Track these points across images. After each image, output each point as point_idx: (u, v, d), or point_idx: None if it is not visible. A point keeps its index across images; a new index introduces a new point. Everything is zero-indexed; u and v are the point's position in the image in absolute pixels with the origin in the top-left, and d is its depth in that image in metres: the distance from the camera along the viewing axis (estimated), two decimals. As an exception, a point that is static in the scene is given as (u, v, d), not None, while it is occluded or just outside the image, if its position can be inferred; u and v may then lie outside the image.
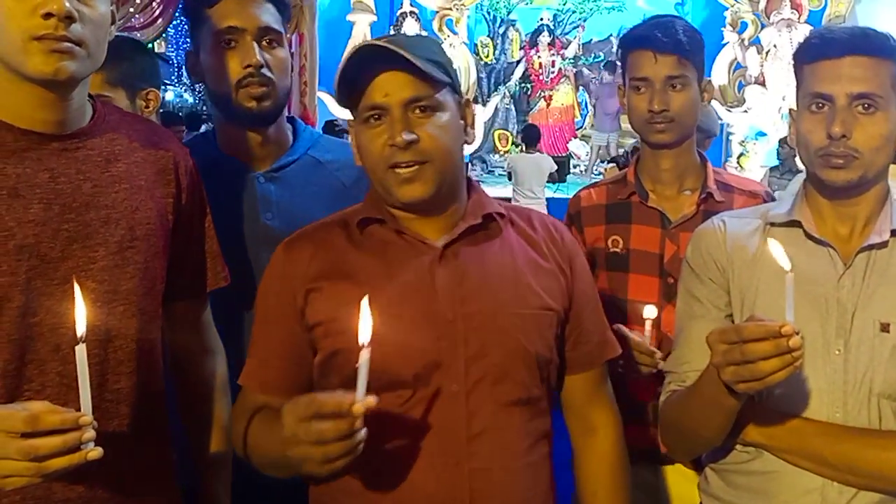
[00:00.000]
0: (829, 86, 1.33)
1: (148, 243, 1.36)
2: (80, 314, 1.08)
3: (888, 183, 1.41)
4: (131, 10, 10.45)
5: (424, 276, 1.32)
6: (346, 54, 1.27)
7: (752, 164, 10.15)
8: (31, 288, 1.23)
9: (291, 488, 1.42)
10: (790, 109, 1.45)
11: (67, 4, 1.18)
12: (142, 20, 11.42)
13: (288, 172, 1.74)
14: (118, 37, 1.31)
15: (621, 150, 9.07)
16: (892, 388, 1.32)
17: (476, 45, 13.52)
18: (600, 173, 11.56)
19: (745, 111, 10.23)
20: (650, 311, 1.73)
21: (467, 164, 11.26)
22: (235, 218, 1.66)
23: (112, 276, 1.31)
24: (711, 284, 1.46)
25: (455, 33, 11.71)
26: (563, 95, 13.78)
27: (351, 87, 1.30)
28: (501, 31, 14.20)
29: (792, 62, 1.43)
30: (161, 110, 2.05)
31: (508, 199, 8.51)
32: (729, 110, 10.33)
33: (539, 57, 13.94)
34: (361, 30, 10.40)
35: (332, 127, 7.09)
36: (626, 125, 13.30)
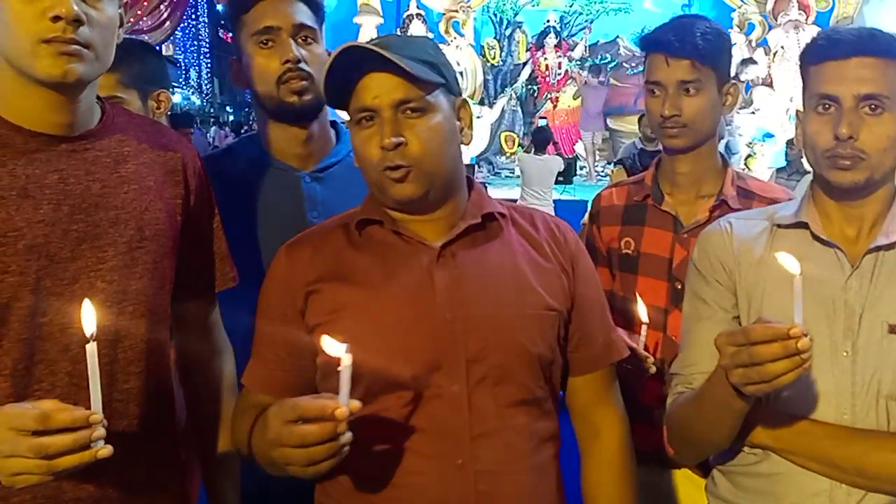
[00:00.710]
0: (836, 87, 1.33)
1: (157, 244, 1.37)
2: (90, 314, 1.08)
3: (896, 184, 1.41)
4: (139, 12, 10.50)
5: (423, 276, 1.31)
6: (331, 56, 1.27)
7: (760, 165, 10.12)
8: (41, 288, 1.24)
9: (299, 492, 1.42)
10: (797, 111, 1.45)
11: (76, 8, 1.19)
12: (150, 23, 11.47)
13: (332, 173, 1.78)
14: (129, 39, 1.32)
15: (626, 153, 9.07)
16: (900, 390, 1.32)
17: (482, 46, 13.52)
18: (606, 175, 11.55)
19: (753, 112, 10.21)
20: (643, 314, 1.73)
21: (474, 165, 11.26)
22: (281, 216, 1.70)
23: (121, 276, 1.32)
24: (718, 286, 1.46)
25: (461, 35, 11.73)
26: (570, 97, 13.78)
27: (341, 89, 1.30)
28: (508, 32, 14.20)
29: (798, 63, 1.43)
30: (168, 112, 2.08)
31: (515, 200, 8.52)
32: (737, 112, 10.32)
33: (545, 59, 13.93)
34: (368, 32, 10.42)
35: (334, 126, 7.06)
36: (613, 124, 13.42)
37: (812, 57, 1.38)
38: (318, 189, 1.75)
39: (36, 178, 1.25)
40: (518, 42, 14.28)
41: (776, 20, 10.24)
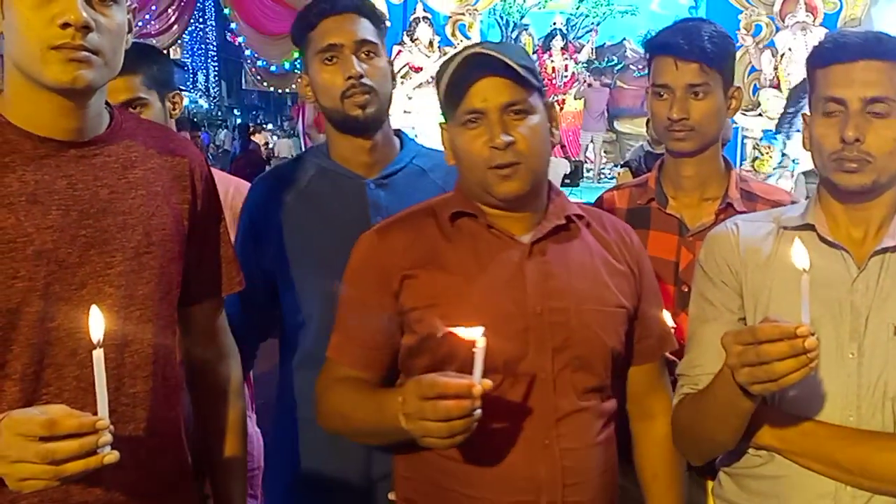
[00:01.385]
0: (843, 90, 1.33)
1: (164, 249, 1.38)
2: (97, 320, 1.09)
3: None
4: (147, 16, 10.54)
5: (514, 270, 1.42)
6: (452, 62, 1.40)
7: (767, 167, 10.10)
8: (50, 293, 1.25)
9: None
10: (803, 114, 1.45)
11: (84, 14, 1.20)
12: (157, 26, 11.51)
13: (396, 180, 1.84)
14: (139, 43, 1.33)
15: (628, 153, 9.06)
16: (906, 392, 1.32)
17: (489, 49, 13.48)
18: (613, 177, 11.53)
19: (760, 114, 10.18)
20: (669, 319, 1.72)
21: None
22: (346, 221, 1.76)
23: (128, 281, 1.32)
24: (724, 288, 1.46)
25: (468, 38, 11.70)
26: (571, 98, 13.76)
27: (452, 91, 1.41)
28: (514, 35, 14.19)
29: (805, 66, 1.43)
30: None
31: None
32: (743, 114, 10.28)
33: (552, 61, 13.91)
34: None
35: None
36: (620, 127, 13.38)
37: (819, 60, 1.38)
38: (382, 195, 1.81)
39: (45, 183, 1.26)
40: (524, 44, 14.27)
41: (783, 22, 10.19)
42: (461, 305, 1.37)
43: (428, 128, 8.99)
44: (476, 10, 11.10)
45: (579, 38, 14.27)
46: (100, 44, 1.23)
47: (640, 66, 13.56)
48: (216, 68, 25.35)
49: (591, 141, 13.06)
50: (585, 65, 13.93)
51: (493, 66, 1.37)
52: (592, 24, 14.23)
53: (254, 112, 28.30)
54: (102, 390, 1.06)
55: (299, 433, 1.80)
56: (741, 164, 10.40)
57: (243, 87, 24.87)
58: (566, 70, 13.87)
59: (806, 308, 1.13)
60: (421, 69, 9.92)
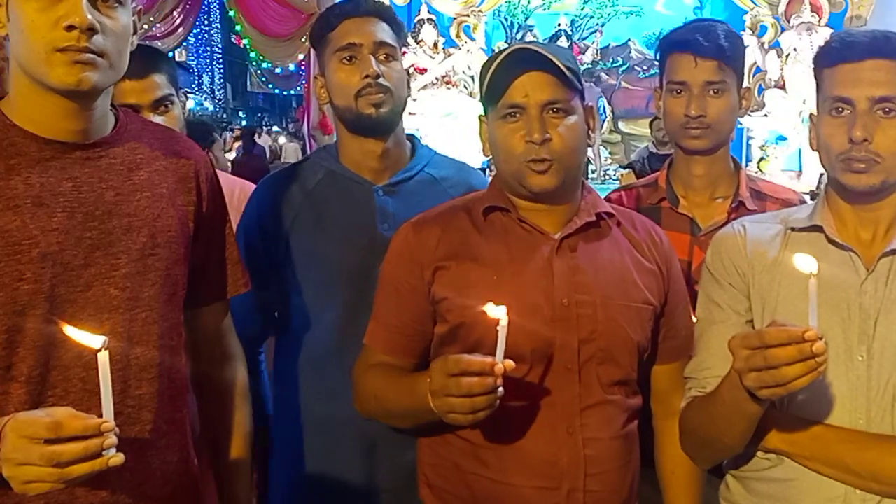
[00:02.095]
0: (850, 90, 1.32)
1: (169, 250, 1.38)
2: (84, 333, 1.09)
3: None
4: (152, 18, 10.56)
5: (544, 264, 1.46)
6: (499, 55, 1.44)
7: (773, 168, 10.07)
8: (55, 295, 1.25)
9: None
10: (810, 114, 1.44)
11: (90, 16, 1.20)
12: (163, 29, 11.54)
13: (406, 187, 1.84)
14: (146, 45, 1.34)
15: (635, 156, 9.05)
16: (916, 395, 1.31)
17: (494, 50, 13.51)
18: (617, 178, 11.52)
19: (765, 115, 10.16)
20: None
21: (486, 169, 11.26)
22: (353, 227, 1.78)
23: (134, 283, 1.32)
24: (731, 290, 1.45)
25: (472, 39, 11.70)
26: (582, 100, 13.76)
27: (496, 84, 1.44)
28: (519, 36, 14.18)
29: (812, 66, 1.42)
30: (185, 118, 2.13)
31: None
32: (749, 114, 10.25)
33: (557, 62, 13.89)
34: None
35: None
36: (625, 128, 13.36)
37: (826, 60, 1.38)
38: (390, 202, 1.80)
39: (50, 185, 1.26)
40: (530, 46, 14.25)
41: (789, 22, 10.17)
42: (491, 296, 1.35)
43: (432, 129, 8.99)
44: (480, 11, 11.10)
45: (584, 39, 14.26)
46: (105, 46, 1.23)
47: (645, 67, 13.55)
48: (221, 71, 25.38)
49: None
50: (590, 66, 13.91)
51: (538, 63, 1.41)
52: (597, 25, 14.23)
53: (259, 114, 28.33)
54: (107, 392, 1.06)
55: (304, 436, 1.80)
56: (747, 165, 10.38)
57: (248, 90, 24.93)
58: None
59: (814, 311, 1.12)
60: (425, 71, 9.93)
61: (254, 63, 14.19)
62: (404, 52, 1.87)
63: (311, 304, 1.79)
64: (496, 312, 1.23)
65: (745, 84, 1.90)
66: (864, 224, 1.39)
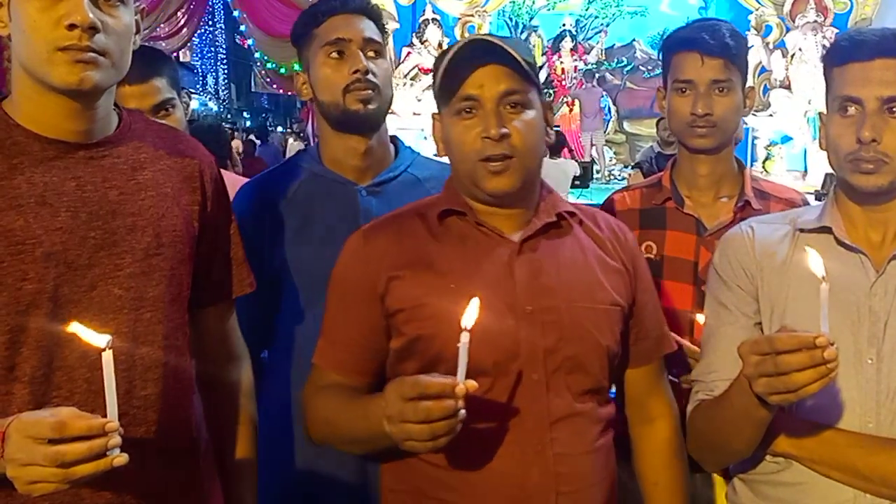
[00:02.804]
0: (859, 89, 1.31)
1: (174, 250, 1.37)
2: (91, 331, 1.09)
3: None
4: (156, 19, 10.57)
5: (504, 268, 1.38)
6: (452, 48, 1.37)
7: (778, 168, 10.05)
8: (59, 295, 1.24)
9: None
10: (820, 113, 1.43)
11: (91, 15, 1.19)
12: (167, 29, 11.56)
13: (389, 188, 1.82)
14: (147, 46, 1.34)
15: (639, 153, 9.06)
16: (926, 398, 1.30)
17: (498, 50, 13.50)
18: (623, 178, 11.51)
19: (771, 115, 10.14)
20: (700, 318, 1.69)
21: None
22: (337, 229, 1.73)
23: (138, 283, 1.32)
24: (739, 291, 1.44)
25: (477, 39, 11.68)
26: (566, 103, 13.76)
27: (449, 79, 1.37)
28: (523, 36, 14.19)
29: (821, 65, 1.41)
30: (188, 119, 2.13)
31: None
32: (754, 114, 10.23)
33: (561, 62, 13.91)
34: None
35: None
36: (630, 128, 13.37)
37: (835, 58, 1.37)
38: (374, 203, 1.78)
39: (54, 185, 1.25)
40: (534, 46, 14.26)
41: (794, 22, 10.15)
42: (448, 307, 1.30)
43: (437, 130, 8.98)
44: (485, 11, 11.10)
45: (589, 39, 14.27)
46: (107, 45, 1.23)
47: (650, 68, 13.55)
48: (226, 71, 25.41)
49: (592, 142, 13.06)
50: (595, 65, 13.92)
51: (493, 54, 1.34)
52: (602, 25, 14.23)
53: (263, 115, 28.36)
54: (112, 392, 1.05)
55: (295, 447, 1.74)
56: (752, 165, 10.36)
57: (252, 90, 24.95)
58: (575, 71, 13.86)
59: (825, 317, 1.11)
60: (430, 71, 9.93)
61: (258, 63, 14.20)
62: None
63: (297, 312, 1.76)
64: (464, 322, 1.16)
65: (749, 83, 1.89)
66: (873, 225, 1.38)
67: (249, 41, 12.55)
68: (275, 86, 15.19)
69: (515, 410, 1.34)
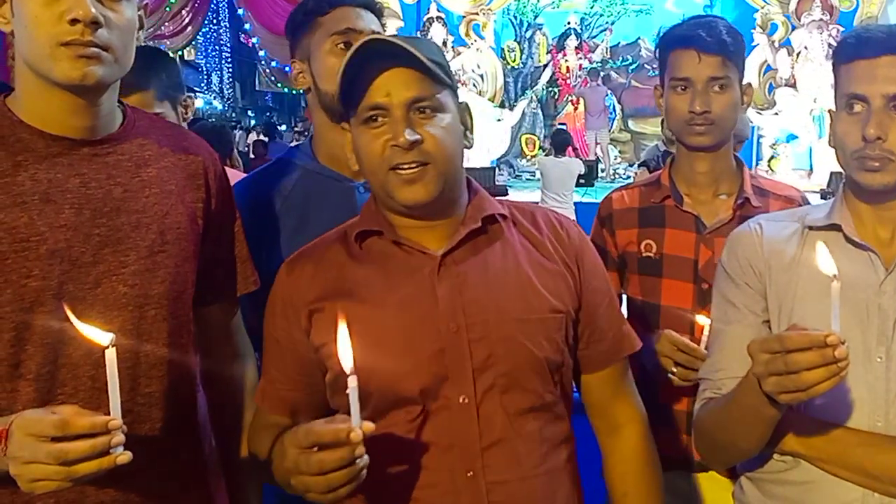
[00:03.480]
0: (865, 86, 1.30)
1: (178, 247, 1.37)
2: (93, 328, 1.08)
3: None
4: (161, 17, 10.59)
5: (425, 287, 1.29)
6: (349, 52, 1.25)
7: (783, 166, 10.04)
8: (64, 292, 1.24)
9: None
10: (829, 111, 1.43)
11: (93, 10, 1.19)
12: (171, 28, 11.57)
13: None
14: (145, 47, 1.33)
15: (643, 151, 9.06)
16: (936, 397, 1.29)
17: (503, 49, 13.54)
18: (629, 177, 11.50)
19: (776, 114, 10.14)
20: (704, 322, 1.67)
21: (494, 168, 11.28)
22: (335, 226, 1.71)
23: (143, 280, 1.32)
24: (747, 289, 1.43)
25: (482, 38, 11.72)
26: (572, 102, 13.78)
27: (351, 85, 1.27)
28: (528, 35, 14.20)
29: (827, 63, 1.40)
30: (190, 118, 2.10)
31: (536, 203, 8.48)
32: (759, 113, 10.23)
33: (566, 61, 13.92)
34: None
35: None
36: (635, 126, 13.38)
37: (842, 56, 1.36)
38: None
39: (58, 182, 1.25)
40: (538, 44, 14.28)
41: (799, 20, 10.15)
42: (369, 335, 1.22)
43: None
44: (490, 9, 11.12)
45: (594, 37, 14.27)
46: (109, 40, 1.23)
47: (655, 66, 13.52)
48: (230, 70, 25.43)
49: (597, 140, 13.06)
50: (599, 64, 13.91)
51: (397, 57, 1.24)
52: (607, 23, 14.23)
53: (268, 113, 28.39)
54: (115, 390, 1.05)
55: None
56: (757, 164, 10.35)
57: (257, 89, 24.97)
58: (580, 70, 13.86)
59: (836, 315, 1.10)
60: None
61: (262, 62, 14.21)
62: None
63: None
64: (346, 367, 1.09)
65: (748, 80, 1.89)
66: (882, 223, 1.37)
67: (254, 39, 12.57)
68: (279, 84, 15.20)
69: (445, 438, 1.26)
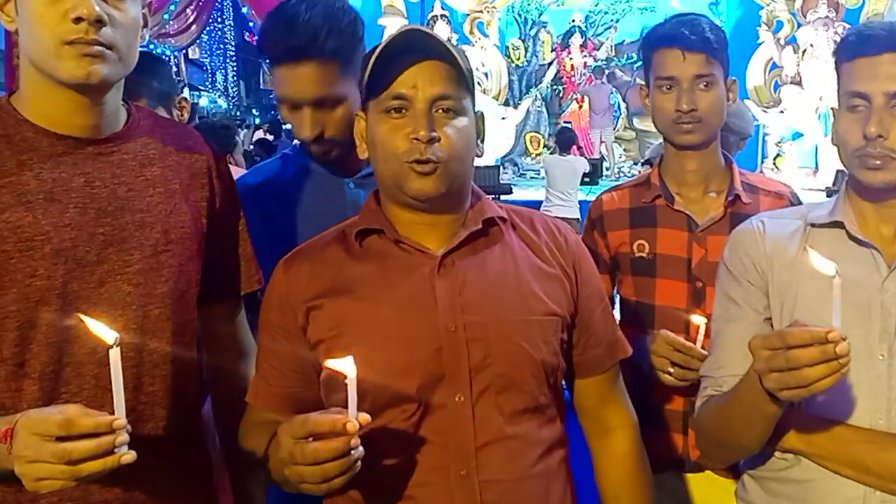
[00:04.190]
0: (867, 84, 1.30)
1: (182, 246, 1.37)
2: (102, 325, 1.08)
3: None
4: (165, 16, 10.60)
5: (424, 286, 1.29)
6: (386, 37, 1.27)
7: (789, 164, 10.02)
8: (68, 292, 1.25)
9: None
10: (832, 108, 1.42)
11: (97, 8, 1.19)
12: (176, 26, 11.59)
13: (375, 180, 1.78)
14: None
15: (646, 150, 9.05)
16: (938, 395, 1.29)
17: (507, 47, 13.53)
18: (634, 174, 11.48)
19: (782, 111, 10.11)
20: (699, 321, 1.68)
21: (499, 167, 11.28)
22: (326, 221, 1.68)
23: (147, 279, 1.32)
24: (749, 286, 1.43)
25: (486, 36, 11.72)
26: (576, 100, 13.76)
27: (380, 71, 1.27)
28: (533, 33, 14.19)
29: (832, 60, 1.40)
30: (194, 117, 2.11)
31: (540, 202, 8.49)
32: (765, 111, 10.20)
33: (571, 59, 13.91)
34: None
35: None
36: (640, 125, 13.36)
37: (844, 53, 1.36)
38: (363, 195, 1.73)
39: (62, 181, 1.26)
40: (543, 42, 14.26)
41: (805, 18, 10.12)
42: (367, 332, 1.25)
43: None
44: (494, 7, 11.10)
45: (598, 35, 14.25)
46: (114, 38, 1.23)
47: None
48: (235, 68, 25.42)
49: (602, 138, 13.04)
50: (604, 62, 13.90)
51: (433, 51, 1.26)
52: (612, 21, 14.21)
53: (272, 112, 28.40)
54: (119, 389, 1.05)
55: None
56: (763, 162, 10.32)
57: (261, 87, 24.98)
58: (585, 67, 13.85)
59: (837, 312, 1.10)
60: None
61: (266, 61, 14.22)
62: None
63: None
64: (341, 366, 1.09)
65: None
66: (885, 220, 1.37)
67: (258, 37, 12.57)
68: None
69: (440, 436, 1.27)
